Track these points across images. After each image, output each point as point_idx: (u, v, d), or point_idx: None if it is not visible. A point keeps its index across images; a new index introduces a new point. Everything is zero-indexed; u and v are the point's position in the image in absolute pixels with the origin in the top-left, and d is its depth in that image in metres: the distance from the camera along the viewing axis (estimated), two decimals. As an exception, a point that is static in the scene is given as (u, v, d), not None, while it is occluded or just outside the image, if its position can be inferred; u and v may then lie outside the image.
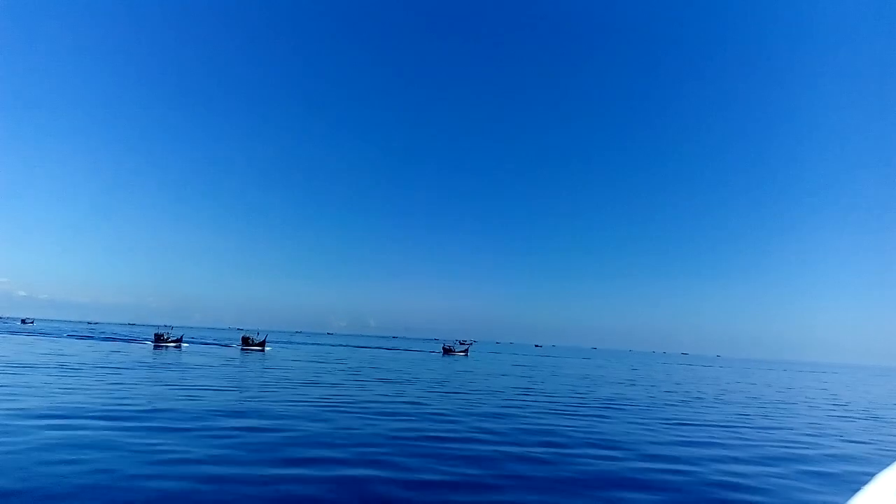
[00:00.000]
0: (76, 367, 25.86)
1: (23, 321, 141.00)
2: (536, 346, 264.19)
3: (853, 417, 22.34)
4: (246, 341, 58.44)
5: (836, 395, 36.31)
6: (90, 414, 13.26)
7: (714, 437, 14.80)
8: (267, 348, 56.81)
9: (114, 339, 63.15)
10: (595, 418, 17.40)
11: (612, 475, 9.93)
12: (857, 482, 9.99)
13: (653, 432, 15.09)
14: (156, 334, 58.31)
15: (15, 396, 15.49)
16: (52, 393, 16.54)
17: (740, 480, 10.02)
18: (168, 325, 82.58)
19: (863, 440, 16.07)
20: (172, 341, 57.22)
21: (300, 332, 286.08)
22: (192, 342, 65.67)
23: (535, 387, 28.55)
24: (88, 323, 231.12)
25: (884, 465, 2.26)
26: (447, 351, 76.20)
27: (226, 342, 72.56)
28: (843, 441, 15.58)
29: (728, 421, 18.53)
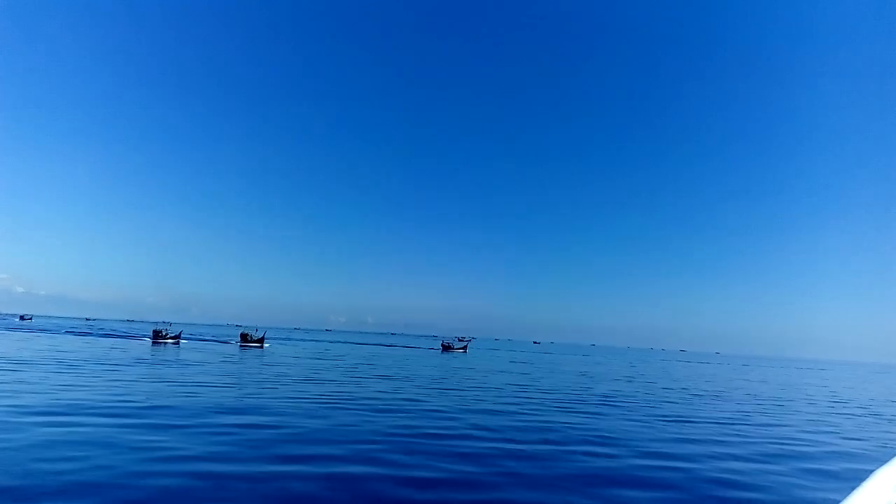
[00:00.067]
0: (74, 363, 25.82)
1: (21, 317, 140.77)
2: (535, 342, 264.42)
3: (852, 414, 22.38)
4: (244, 338, 58.41)
5: (835, 392, 36.39)
6: (88, 410, 13.23)
7: (712, 434, 14.81)
8: (265, 345, 56.79)
9: (112, 336, 63.08)
10: (593, 415, 17.41)
11: (609, 472, 9.93)
12: (855, 479, 10.02)
13: (650, 429, 15.10)
14: (154, 331, 58.24)
15: (13, 393, 15.44)
16: (51, 389, 16.50)
17: (738, 477, 10.02)
18: (166, 321, 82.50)
19: (861, 437, 16.10)
20: (171, 338, 57.15)
21: (298, 329, 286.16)
22: (191, 339, 65.63)
23: (533, 384, 28.57)
24: (87, 319, 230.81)
25: (882, 461, 2.24)
26: (446, 348, 76.22)
27: (224, 339, 72.53)
28: (841, 438, 15.61)
29: (726, 418, 18.55)
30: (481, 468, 9.70)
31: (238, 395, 17.71)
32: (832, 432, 16.68)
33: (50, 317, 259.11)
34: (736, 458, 11.82)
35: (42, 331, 67.46)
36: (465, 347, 78.55)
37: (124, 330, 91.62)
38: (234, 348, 50.20)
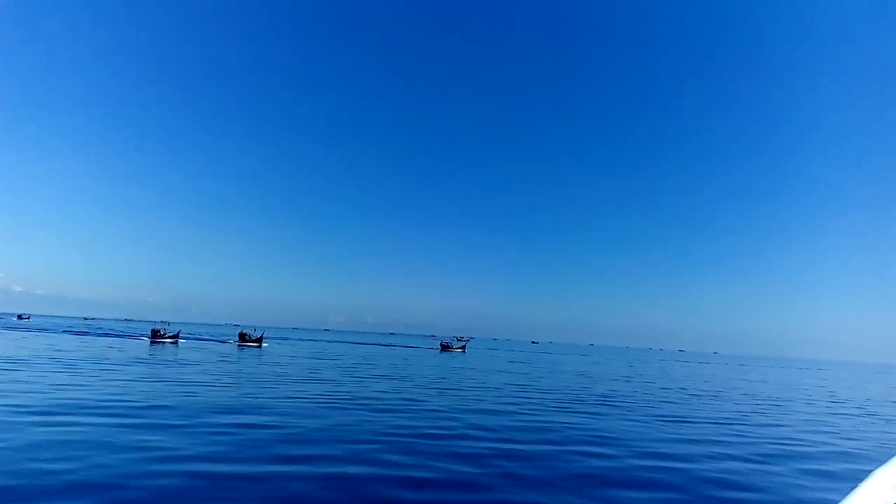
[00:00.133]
0: (72, 362, 25.75)
1: (19, 317, 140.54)
2: (533, 342, 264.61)
3: (851, 414, 22.40)
4: (243, 337, 58.38)
5: (833, 392, 36.43)
6: (86, 410, 13.18)
7: (711, 435, 14.80)
8: (264, 344, 56.75)
9: (110, 335, 62.97)
10: (591, 415, 17.40)
11: (608, 473, 9.91)
12: (854, 479, 10.02)
13: (649, 429, 15.09)
14: (152, 330, 58.17)
15: (10, 393, 15.39)
16: (48, 389, 16.45)
17: (737, 478, 10.01)
18: (165, 321, 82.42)
19: (860, 437, 16.11)
20: (169, 337, 57.10)
21: (297, 329, 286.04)
22: (189, 338, 65.55)
23: (531, 383, 28.57)
24: (85, 319, 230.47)
25: (880, 462, 2.22)
26: (445, 347, 76.23)
27: (223, 338, 72.46)
28: (840, 438, 15.61)
29: (725, 418, 18.55)
30: (480, 469, 9.67)
31: (236, 394, 17.67)
32: (831, 432, 16.68)
33: (48, 316, 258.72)
34: (735, 458, 11.81)
35: (40, 330, 67.32)
36: (463, 347, 78.57)
37: (123, 329, 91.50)
38: (232, 348, 50.14)
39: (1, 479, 7.61)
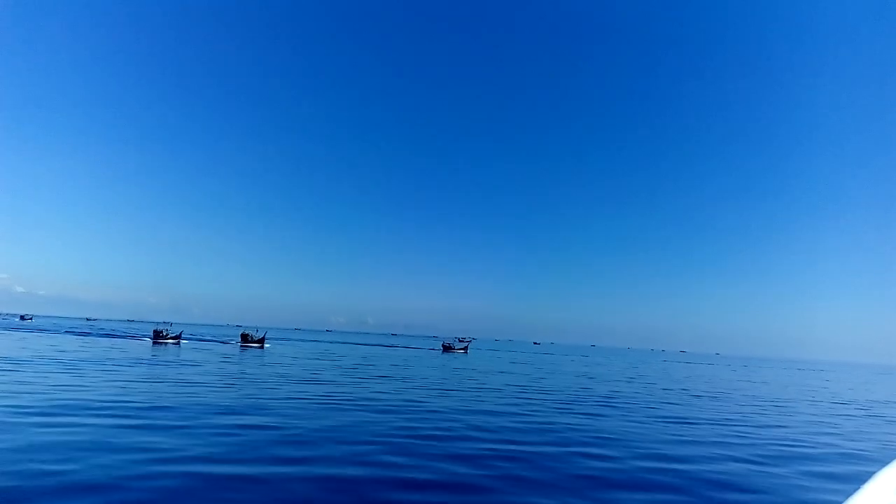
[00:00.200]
0: (74, 363, 25.80)
1: (21, 317, 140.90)
2: (535, 343, 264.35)
3: (853, 416, 22.33)
4: (245, 338, 58.42)
5: (835, 393, 36.32)
6: (88, 411, 13.20)
7: (713, 436, 14.76)
8: (266, 345, 56.79)
9: (112, 336, 63.09)
10: (593, 416, 17.37)
11: (609, 474, 9.88)
12: (856, 481, 9.98)
13: (651, 430, 15.05)
14: (155, 331, 58.25)
15: (12, 393, 15.42)
16: (50, 390, 16.48)
17: (739, 480, 9.98)
18: (167, 321, 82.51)
19: (863, 438, 16.05)
20: (171, 338, 57.17)
21: (299, 330, 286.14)
22: (191, 339, 65.64)
23: (533, 384, 28.54)
24: (87, 319, 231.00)
25: (883, 463, 2.21)
26: (446, 348, 76.17)
27: (225, 339, 72.54)
28: (843, 439, 15.55)
29: (727, 419, 18.50)
30: (481, 470, 9.65)
31: (238, 395, 17.68)
32: (833, 433, 16.62)
33: (50, 317, 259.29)
34: (737, 459, 11.77)
35: (42, 331, 67.47)
36: (465, 348, 78.50)
37: (125, 330, 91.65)
38: (234, 348, 50.18)
39: (2, 479, 7.63)
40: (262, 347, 53.94)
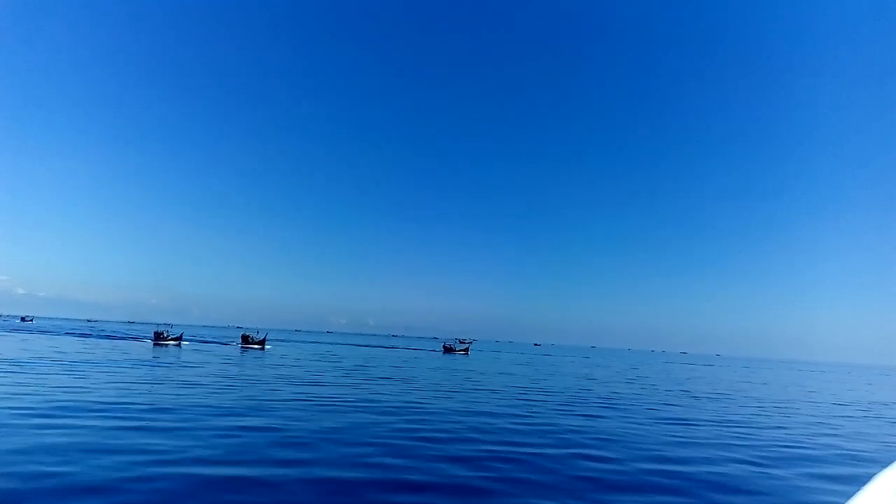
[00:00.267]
0: (75, 365, 25.81)
1: (22, 319, 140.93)
2: (536, 344, 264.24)
3: (855, 417, 22.30)
4: (246, 339, 58.44)
5: (837, 394, 36.28)
6: (88, 412, 13.19)
7: (715, 437, 14.74)
8: (267, 347, 56.80)
9: (113, 338, 63.11)
10: (594, 417, 17.35)
11: (609, 476, 9.86)
12: (859, 482, 9.96)
13: (652, 432, 15.04)
14: (155, 332, 58.28)
15: (12, 395, 15.42)
16: (50, 391, 16.48)
17: (741, 481, 9.96)
18: (168, 323, 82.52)
19: (865, 439, 16.03)
20: (172, 339, 57.19)
21: (299, 331, 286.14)
22: (192, 340, 65.64)
23: (533, 386, 28.53)
24: (88, 321, 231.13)
25: (884, 464, 2.22)
26: (447, 350, 76.17)
27: (225, 340, 72.54)
28: (844, 440, 15.52)
29: (729, 420, 18.47)
30: (481, 472, 9.64)
31: (238, 397, 17.68)
32: (834, 435, 16.60)
33: (51, 318, 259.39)
34: (738, 461, 11.75)
35: (43, 332, 67.47)
36: (466, 349, 78.48)
37: (125, 331, 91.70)
38: (235, 350, 50.18)
39: (2, 481, 7.63)
40: (262, 349, 53.94)
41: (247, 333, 60.68)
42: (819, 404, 27.58)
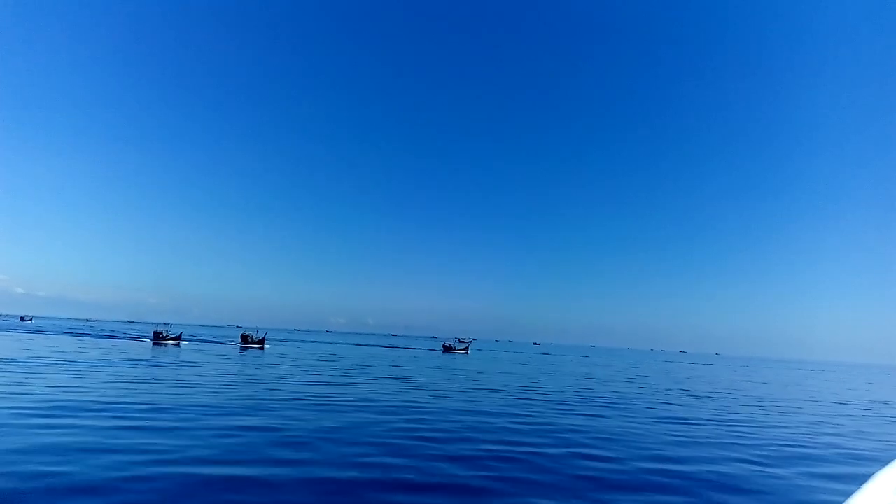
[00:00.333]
0: (74, 364, 25.78)
1: (21, 318, 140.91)
2: (535, 344, 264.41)
3: (854, 416, 22.30)
4: (245, 339, 58.45)
5: (837, 393, 36.29)
6: (87, 412, 13.16)
7: (714, 436, 14.73)
8: (266, 346, 56.80)
9: (113, 337, 63.07)
10: (594, 417, 17.34)
11: (609, 476, 9.84)
12: (856, 481, 9.96)
13: (652, 431, 15.02)
14: (155, 332, 58.27)
15: (11, 395, 15.39)
16: (49, 391, 16.44)
17: (741, 481, 9.94)
18: (167, 322, 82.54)
19: (863, 438, 16.03)
20: (171, 339, 57.20)
21: (299, 330, 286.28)
22: (191, 340, 65.63)
23: (533, 385, 28.52)
24: (87, 320, 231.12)
25: (884, 463, 2.20)
26: (447, 349, 76.19)
27: (225, 340, 72.53)
28: (844, 439, 15.52)
29: (728, 419, 18.47)
30: (480, 472, 9.62)
31: (237, 396, 17.66)
32: (834, 434, 16.59)
33: (50, 318, 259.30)
34: (738, 460, 11.74)
35: (42, 332, 67.42)
36: (466, 349, 78.52)
37: (124, 331, 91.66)
38: (234, 349, 50.16)
39: (1, 480, 7.60)
40: (262, 348, 53.94)
41: (246, 333, 60.70)
42: (819, 403, 27.59)
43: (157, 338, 56.73)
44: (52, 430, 10.99)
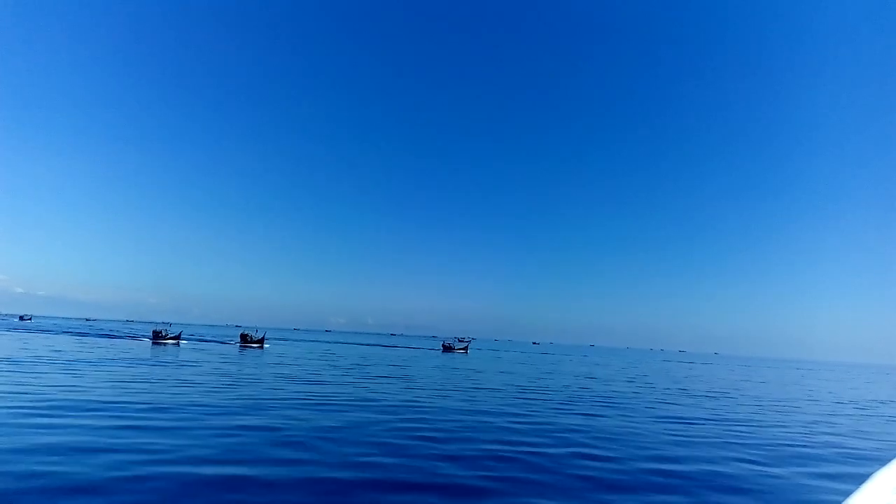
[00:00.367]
0: (73, 363, 25.74)
1: (21, 318, 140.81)
2: (534, 343, 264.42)
3: (853, 415, 22.33)
4: (244, 338, 58.42)
5: (836, 392, 36.32)
6: (85, 411, 13.14)
7: (713, 436, 14.73)
8: (265, 345, 56.77)
9: (111, 336, 63.02)
10: (593, 416, 17.34)
11: (608, 475, 9.84)
12: (856, 480, 9.95)
13: (651, 430, 15.02)
14: (154, 331, 58.24)
15: (10, 394, 15.38)
16: (48, 390, 16.42)
17: (739, 480, 9.95)
18: (166, 322, 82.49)
19: (862, 438, 16.04)
20: (171, 338, 57.15)
21: (298, 330, 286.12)
22: (191, 339, 65.59)
23: (532, 384, 28.52)
24: (87, 320, 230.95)
25: (883, 462, 2.20)
26: (446, 348, 76.18)
27: (224, 339, 72.50)
28: (842, 439, 15.54)
29: (727, 419, 18.47)
30: (480, 472, 9.62)
31: (236, 395, 17.64)
32: (833, 433, 16.61)
33: (49, 317, 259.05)
34: (737, 459, 11.74)
35: (41, 331, 67.36)
36: (465, 348, 78.51)
37: (124, 330, 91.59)
38: (233, 349, 50.14)
39: (2, 481, 7.62)
40: (261, 348, 53.91)
41: (246, 332, 60.65)
42: (818, 402, 27.62)
43: (157, 337, 56.69)
44: (51, 430, 10.98)
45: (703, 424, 16.95)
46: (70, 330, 77.28)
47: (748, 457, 12.13)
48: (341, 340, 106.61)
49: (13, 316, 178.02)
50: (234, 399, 16.87)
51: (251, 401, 16.70)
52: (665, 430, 15.39)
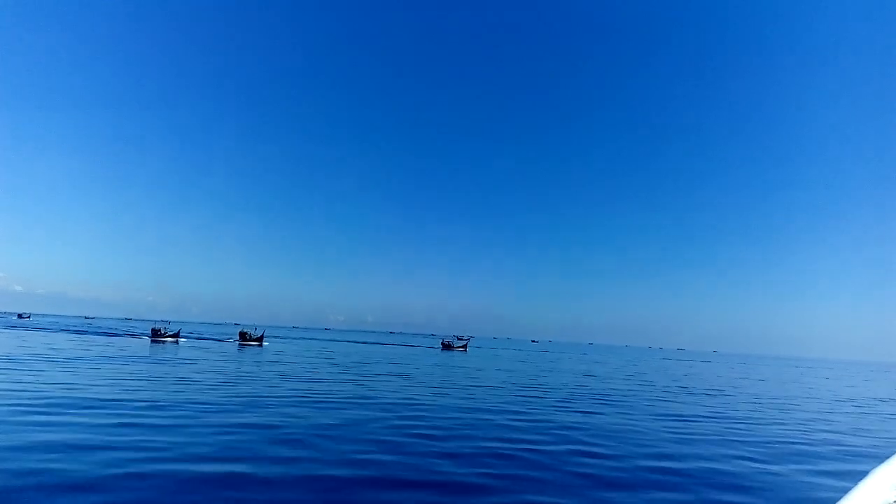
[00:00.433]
0: (72, 361, 25.72)
1: (19, 316, 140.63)
2: (533, 341, 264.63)
3: (852, 413, 22.36)
4: (243, 336, 58.41)
5: (835, 390, 36.39)
6: (84, 409, 13.12)
7: (712, 433, 14.75)
8: (265, 343, 56.76)
9: (111, 335, 62.95)
10: (591, 414, 17.35)
11: (607, 473, 9.84)
12: (854, 477, 9.93)
13: (650, 428, 15.03)
14: (153, 329, 58.18)
15: (8, 391, 15.35)
16: (47, 388, 16.40)
17: (738, 477, 9.95)
18: (165, 320, 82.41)
19: (861, 435, 16.07)
20: (170, 336, 57.09)
21: (297, 328, 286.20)
22: (189, 337, 65.56)
23: (531, 382, 28.54)
24: (85, 318, 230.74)
25: (881, 459, 2.18)
26: (446, 346, 76.23)
27: (223, 337, 72.48)
28: (841, 436, 15.55)
29: (726, 416, 18.49)
30: (479, 469, 9.61)
31: (235, 393, 17.63)
32: (832, 431, 16.64)
33: (48, 315, 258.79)
34: (736, 457, 11.75)
35: (40, 329, 67.31)
36: (465, 346, 78.55)
37: (123, 329, 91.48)
38: (233, 347, 50.12)
39: (1, 478, 7.59)
40: (260, 345, 53.91)
41: (245, 330, 60.64)
42: (817, 400, 27.67)
43: (156, 335, 56.64)
44: (50, 427, 10.95)
45: (702, 422, 16.97)
46: (69, 328, 77.22)
47: (747, 454, 12.14)
48: (340, 338, 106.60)
49: (12, 314, 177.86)
50: (232, 397, 16.86)
51: (249, 398, 16.69)
52: (664, 427, 15.40)
